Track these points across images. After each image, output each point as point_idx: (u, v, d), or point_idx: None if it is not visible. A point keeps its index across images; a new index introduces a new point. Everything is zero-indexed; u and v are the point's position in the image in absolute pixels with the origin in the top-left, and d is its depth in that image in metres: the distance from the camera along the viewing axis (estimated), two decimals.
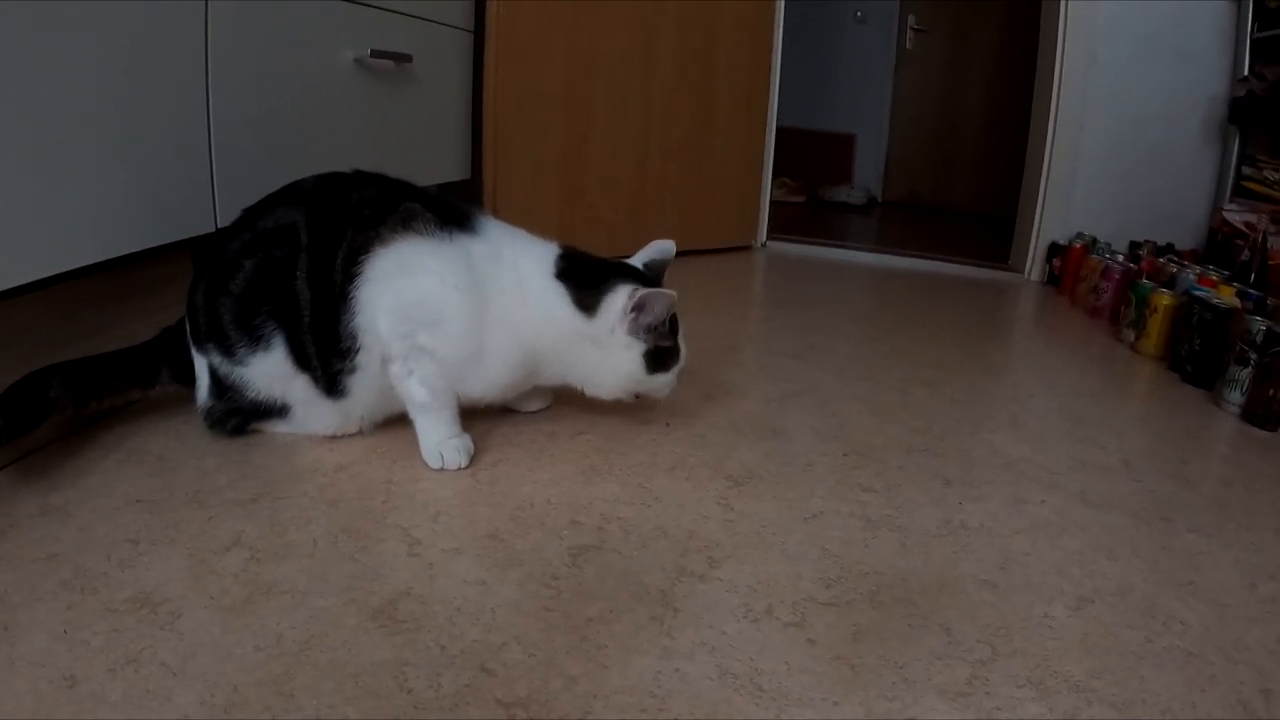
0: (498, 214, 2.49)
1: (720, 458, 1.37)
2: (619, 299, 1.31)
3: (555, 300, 1.32)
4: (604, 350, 1.33)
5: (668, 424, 1.49)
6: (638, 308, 1.29)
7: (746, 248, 3.29)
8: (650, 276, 1.39)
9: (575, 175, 2.75)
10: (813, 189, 5.18)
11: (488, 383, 1.32)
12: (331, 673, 0.85)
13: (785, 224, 3.69)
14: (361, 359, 1.28)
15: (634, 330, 1.30)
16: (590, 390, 1.38)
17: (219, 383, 1.32)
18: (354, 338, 1.26)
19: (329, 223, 1.29)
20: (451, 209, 1.34)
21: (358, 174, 1.38)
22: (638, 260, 1.43)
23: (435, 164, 2.43)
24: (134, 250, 1.42)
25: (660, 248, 1.45)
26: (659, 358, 1.34)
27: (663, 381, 1.37)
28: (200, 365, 1.34)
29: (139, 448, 1.31)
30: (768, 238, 3.40)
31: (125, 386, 1.35)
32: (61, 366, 1.26)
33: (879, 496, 1.25)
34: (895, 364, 1.93)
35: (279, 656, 0.87)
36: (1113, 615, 1.00)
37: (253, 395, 1.32)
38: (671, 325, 1.35)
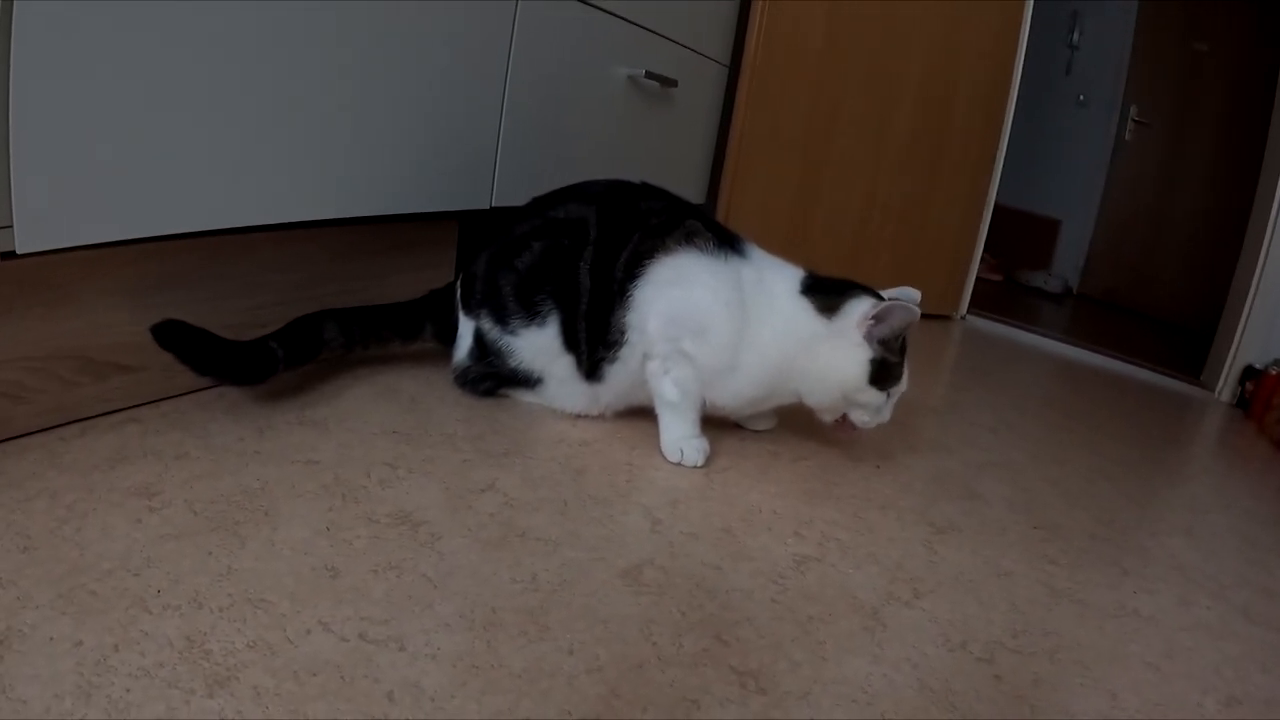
0: None
1: (924, 506, 1.51)
2: (861, 305, 1.39)
3: (800, 312, 1.40)
4: (833, 348, 1.38)
5: (878, 466, 1.65)
6: (879, 317, 1.36)
7: (948, 317, 3.41)
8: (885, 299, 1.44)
9: (802, 220, 2.88)
10: (1010, 269, 5.18)
11: (734, 395, 1.43)
12: (583, 615, 0.95)
13: (981, 299, 3.76)
14: (624, 352, 1.40)
15: (868, 335, 1.37)
16: (809, 397, 1.43)
17: (483, 346, 1.45)
18: (623, 332, 1.38)
19: (617, 224, 1.41)
20: (726, 232, 1.46)
21: (645, 185, 1.51)
22: (885, 293, 1.48)
23: (676, 185, 2.48)
24: (419, 211, 1.57)
25: (907, 293, 1.49)
26: (882, 370, 1.39)
27: (876, 400, 1.41)
28: (466, 328, 1.48)
29: (392, 386, 1.44)
30: (968, 310, 3.49)
31: (390, 337, 1.48)
32: (336, 311, 1.39)
33: (1063, 570, 1.40)
34: (1083, 453, 2.05)
35: (534, 591, 0.97)
36: (1257, 717, 1.13)
37: (514, 364, 1.45)
38: (901, 347, 1.41)
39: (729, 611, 1.06)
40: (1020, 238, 5.30)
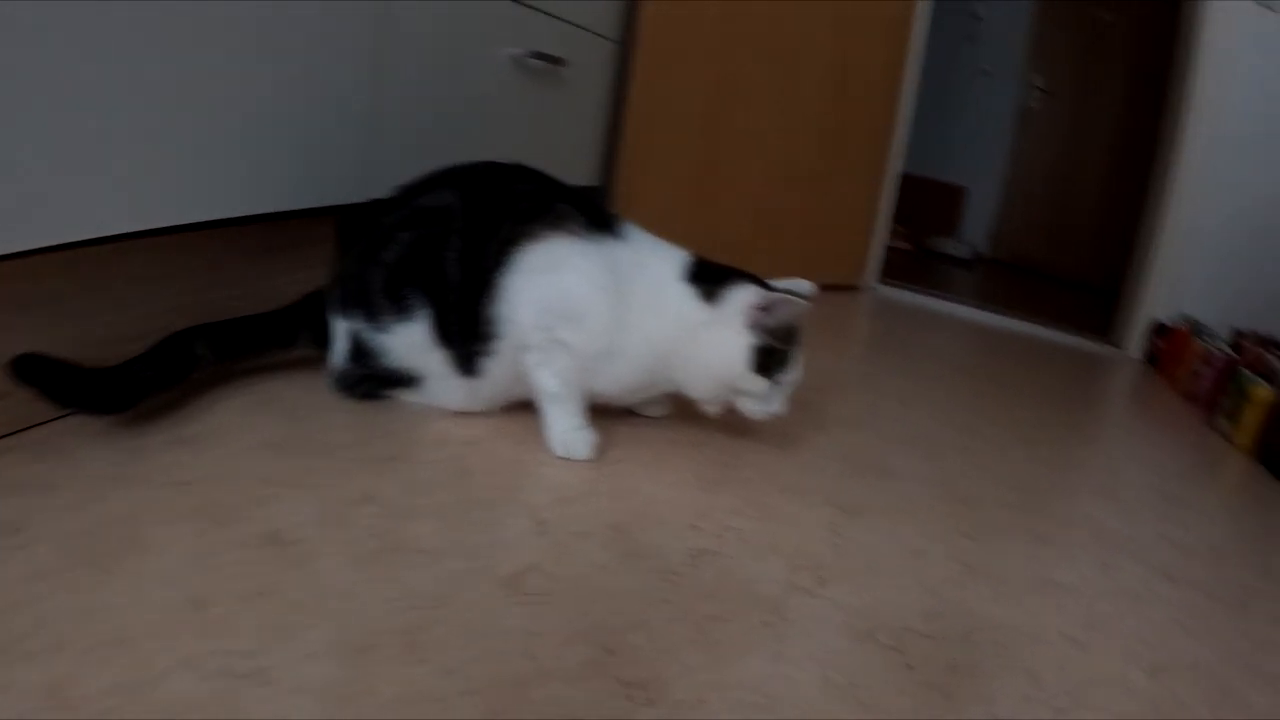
0: None
1: (831, 486, 1.45)
2: (744, 291, 1.35)
3: (682, 299, 1.36)
4: (715, 334, 1.35)
5: (782, 447, 1.58)
6: (766, 308, 1.33)
7: (856, 288, 3.37)
8: (775, 289, 1.40)
9: (704, 195, 2.82)
10: (919, 237, 5.20)
11: (616, 382, 1.38)
12: (461, 631, 0.89)
13: (891, 269, 3.74)
14: (499, 345, 1.33)
15: (753, 324, 1.34)
16: (691, 388, 1.40)
17: (358, 348, 1.38)
18: (495, 324, 1.32)
19: (485, 210, 1.34)
20: (600, 213, 1.40)
21: (517, 166, 1.44)
22: (776, 284, 1.43)
23: (570, 167, 2.48)
24: (293, 208, 1.48)
25: (799, 285, 1.44)
26: (767, 357, 1.35)
27: (761, 388, 1.37)
28: (340, 330, 1.39)
29: (272, 395, 1.36)
30: (878, 281, 3.47)
31: (265, 347, 1.41)
32: (206, 326, 1.30)
33: (977, 544, 1.33)
34: (996, 421, 2.00)
35: (410, 609, 0.91)
36: (1184, 686, 1.06)
37: (389, 363, 1.37)
38: (792, 335, 1.38)
39: (617, 616, 0.98)
40: (928, 206, 5.33)
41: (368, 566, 0.97)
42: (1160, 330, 3.03)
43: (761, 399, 1.40)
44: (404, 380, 1.41)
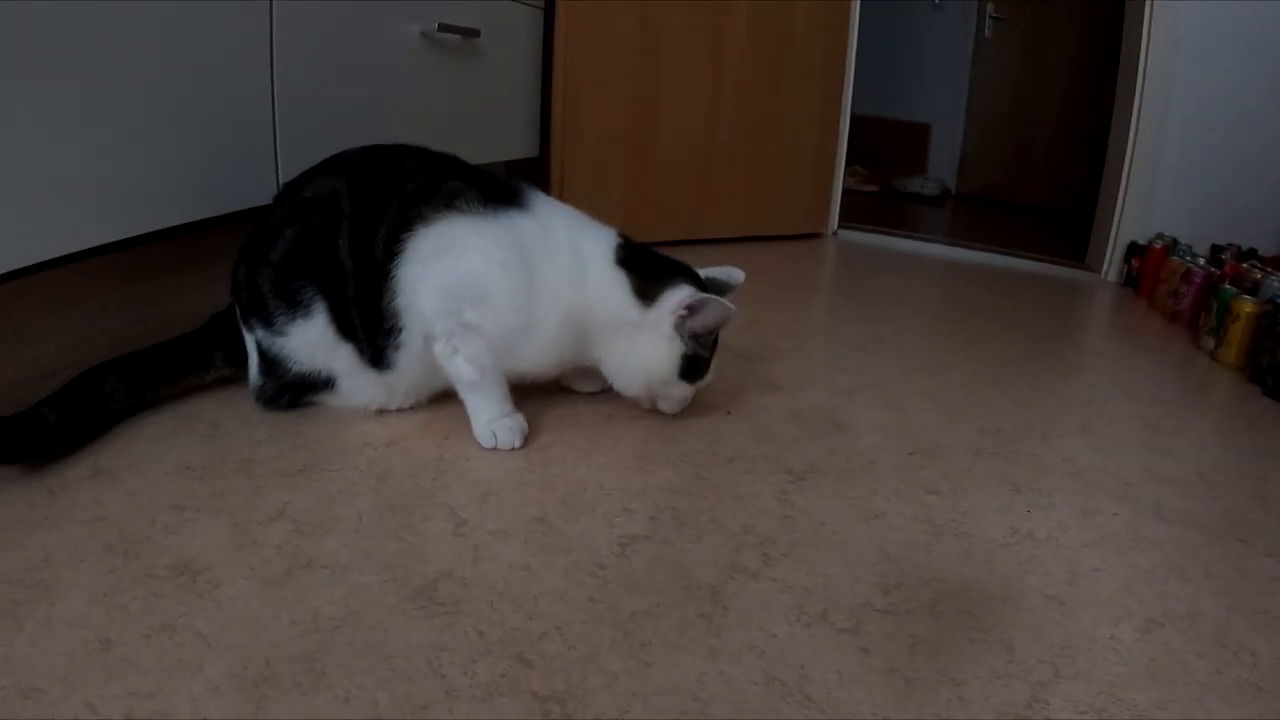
0: (563, 192, 2.51)
1: (781, 450, 1.33)
2: (680, 294, 1.29)
3: (615, 286, 1.30)
4: (646, 339, 1.30)
5: (729, 412, 1.46)
6: (692, 308, 1.27)
7: (817, 235, 3.23)
8: (707, 288, 1.37)
9: (642, 154, 2.71)
10: (886, 179, 5.08)
11: (535, 358, 1.30)
12: (366, 652, 0.83)
13: (857, 213, 3.62)
14: (405, 337, 1.27)
15: (680, 328, 1.29)
16: (617, 382, 1.36)
17: (265, 359, 1.32)
18: (396, 316, 1.26)
19: (372, 194, 1.28)
20: (497, 185, 1.33)
21: (402, 147, 1.37)
22: (705, 272, 1.41)
23: (503, 141, 2.42)
24: (193, 220, 1.41)
25: (730, 272, 1.43)
26: (692, 365, 1.32)
27: (682, 393, 1.36)
28: (250, 343, 1.35)
29: (193, 415, 1.31)
30: (839, 226, 3.33)
31: (180, 374, 1.35)
32: (116, 361, 1.26)
33: (944, 500, 1.21)
34: (964, 360, 1.88)
35: (314, 632, 0.86)
36: (1181, 641, 0.95)
37: (296, 368, 1.31)
38: (713, 342, 1.34)
39: (535, 622, 0.90)
40: (892, 146, 5.22)
41: (274, 589, 0.92)
42: (1136, 250, 2.90)
43: (679, 401, 1.39)
44: (318, 384, 1.34)
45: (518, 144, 2.49)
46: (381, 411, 1.36)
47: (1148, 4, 2.84)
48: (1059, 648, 0.91)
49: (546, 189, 2.53)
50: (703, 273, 1.39)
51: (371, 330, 1.27)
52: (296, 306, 1.27)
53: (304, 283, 1.27)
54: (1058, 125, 4.92)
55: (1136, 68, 2.91)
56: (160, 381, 1.32)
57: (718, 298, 1.27)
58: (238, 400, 1.36)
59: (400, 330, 1.26)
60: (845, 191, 3.30)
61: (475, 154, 2.24)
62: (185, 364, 1.36)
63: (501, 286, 1.24)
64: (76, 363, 1.24)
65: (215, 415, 1.31)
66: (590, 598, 0.94)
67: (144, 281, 1.45)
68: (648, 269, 1.32)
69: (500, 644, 0.86)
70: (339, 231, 1.26)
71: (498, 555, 1.01)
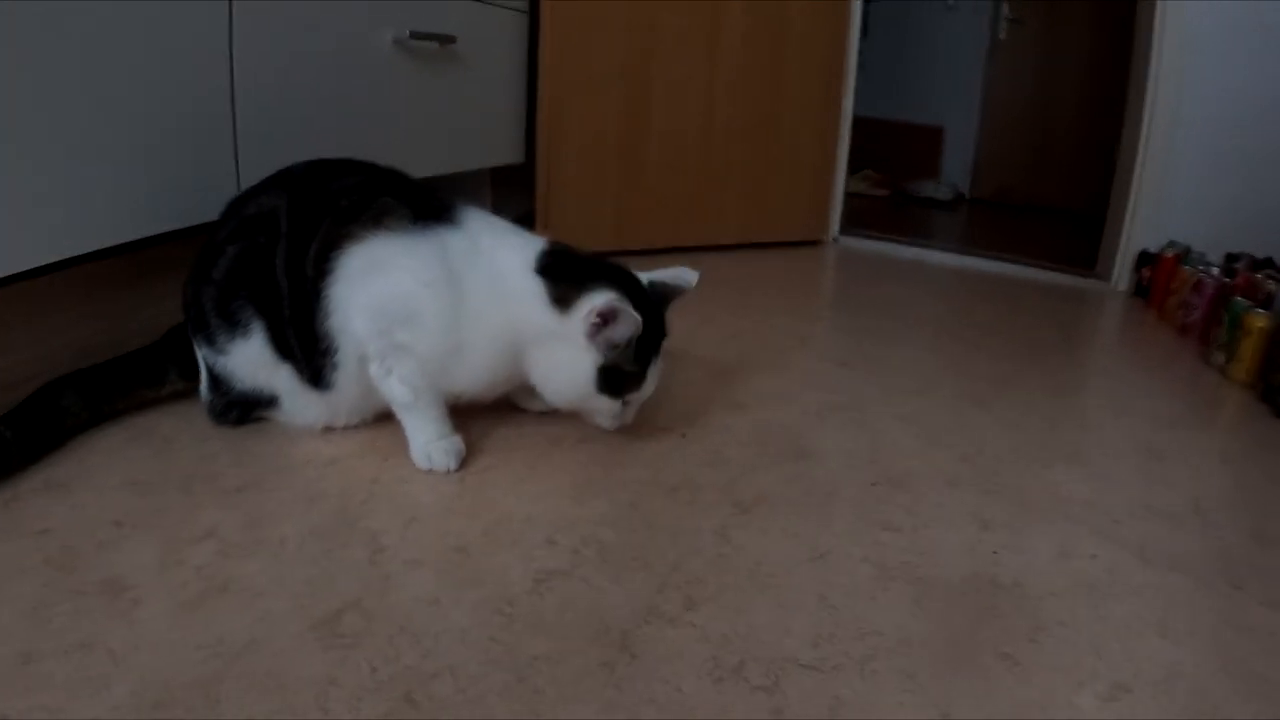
0: (552, 200, 2.43)
1: (732, 479, 1.23)
2: (595, 300, 1.20)
3: (530, 296, 1.23)
4: (562, 349, 1.23)
5: (683, 434, 1.36)
6: (604, 316, 1.19)
7: (817, 242, 3.12)
8: (649, 293, 1.29)
9: (634, 159, 2.62)
10: (898, 183, 4.97)
11: (470, 378, 1.26)
12: (260, 682, 0.81)
13: (866, 218, 3.52)
14: (341, 357, 1.25)
15: (592, 337, 1.21)
16: (546, 396, 1.30)
17: (211, 375, 1.32)
18: (330, 337, 1.23)
19: (308, 211, 1.26)
20: (430, 201, 1.29)
21: (346, 161, 1.35)
22: (652, 276, 1.33)
23: (487, 148, 2.37)
24: (152, 234, 1.41)
25: (681, 274, 1.35)
26: (611, 379, 1.24)
27: (608, 407, 1.27)
28: (200, 359, 1.34)
29: (149, 428, 1.29)
30: (841, 232, 3.21)
31: (136, 389, 1.35)
32: (73, 376, 1.27)
33: (902, 538, 1.11)
34: (954, 378, 1.76)
35: (215, 659, 0.83)
36: (1151, 709, 0.84)
37: (239, 386, 1.30)
38: (640, 353, 1.24)
39: (430, 660, 0.84)
40: (904, 150, 5.10)
41: (188, 612, 0.91)
42: (1147, 259, 2.78)
43: (612, 416, 1.29)
44: (263, 402, 1.33)
45: (502, 150, 2.44)
46: (328, 429, 1.32)
47: (1159, 3, 2.72)
48: (1002, 717, 0.81)
49: (532, 196, 2.48)
50: (650, 275, 1.31)
51: (308, 350, 1.25)
52: (236, 326, 1.26)
53: (242, 302, 1.25)
54: (1074, 128, 4.81)
55: (1148, 68, 2.79)
56: (117, 396, 1.32)
57: (627, 310, 1.18)
58: (193, 414, 1.33)
59: (335, 351, 1.24)
60: (856, 196, 3.20)
61: (458, 161, 2.21)
62: (140, 379, 1.36)
63: (428, 307, 1.21)
64: (41, 374, 1.25)
65: (170, 429, 1.29)
66: (491, 637, 0.87)
67: (107, 294, 1.45)
68: (571, 274, 1.25)
69: (390, 681, 0.81)
70: (278, 250, 1.24)
71: (407, 586, 0.96)
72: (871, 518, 1.15)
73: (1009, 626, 0.94)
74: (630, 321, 1.18)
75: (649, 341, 1.24)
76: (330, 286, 1.21)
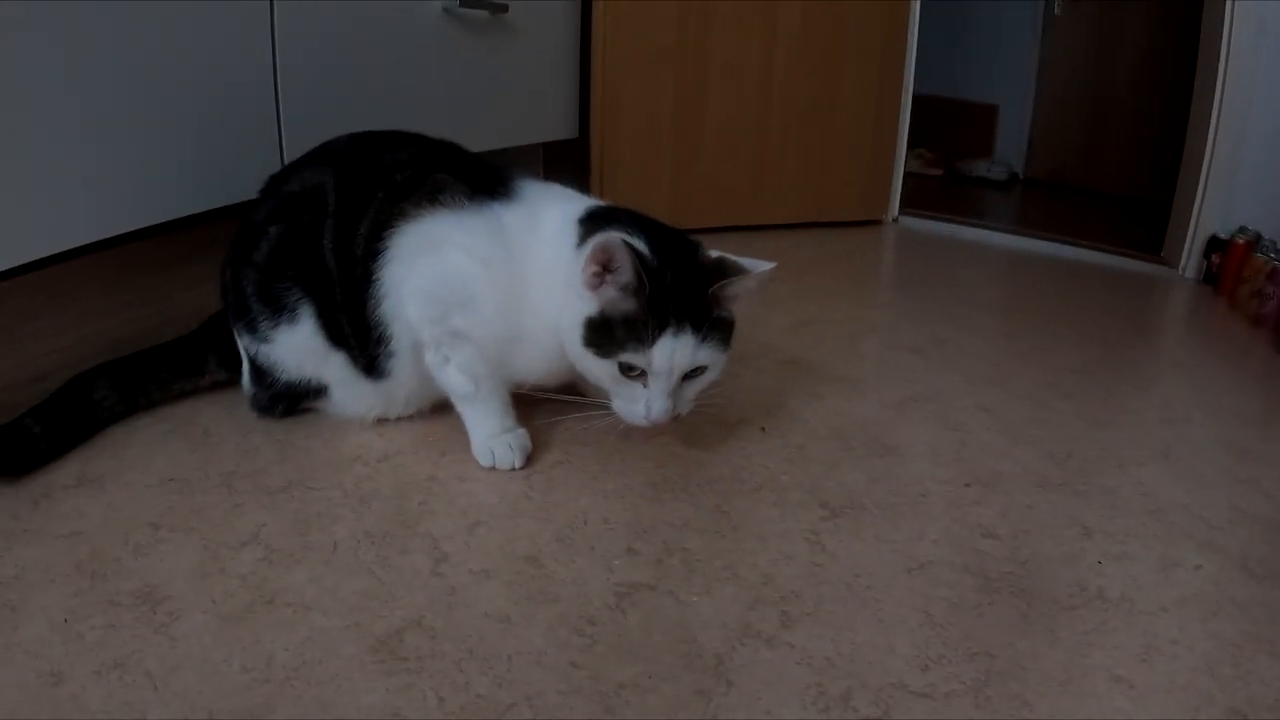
0: (604, 175, 2.36)
1: (818, 478, 1.19)
2: (602, 237, 1.06)
3: (555, 249, 1.13)
4: (563, 292, 1.10)
5: (763, 428, 1.32)
6: (603, 253, 1.04)
7: (876, 222, 3.05)
8: (693, 257, 1.13)
9: (690, 137, 2.56)
10: (950, 162, 4.88)
11: (530, 368, 1.19)
12: (313, 710, 0.76)
13: (920, 198, 3.43)
14: (395, 345, 1.18)
15: (590, 284, 1.07)
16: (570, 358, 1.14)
17: (254, 366, 1.25)
18: (383, 324, 1.17)
19: (358, 186, 1.19)
20: (487, 174, 1.20)
21: (393, 134, 1.28)
22: (725, 254, 1.16)
23: (539, 123, 2.31)
24: (191, 213, 1.38)
25: (757, 262, 1.15)
26: (602, 333, 1.07)
27: (604, 373, 1.10)
28: (241, 349, 1.29)
29: (188, 419, 1.26)
30: (900, 212, 3.15)
31: (172, 379, 1.31)
32: (107, 366, 1.23)
33: (1002, 546, 1.06)
34: (1030, 367, 1.70)
35: (264, 683, 0.79)
36: None
37: (285, 377, 1.23)
38: (656, 312, 1.05)
39: (504, 690, 0.79)
40: (957, 128, 4.98)
41: (231, 627, 0.86)
42: (1216, 245, 2.69)
43: (626, 397, 1.11)
44: (311, 393, 1.26)
45: (555, 125, 2.38)
46: (381, 420, 1.27)
47: None
48: None
49: (586, 173, 2.43)
50: (723, 254, 1.16)
51: (362, 338, 1.18)
52: (281, 312, 1.19)
53: (288, 285, 1.19)
54: (1132, 107, 4.68)
55: (1219, 49, 2.68)
56: (152, 388, 1.28)
57: (621, 242, 1.02)
58: (235, 404, 1.29)
59: (390, 339, 1.17)
60: (909, 175, 3.12)
61: (509, 136, 2.16)
62: (178, 369, 1.32)
63: (485, 288, 1.13)
64: (74, 363, 1.23)
65: (210, 421, 1.25)
66: (572, 662, 0.83)
67: (141, 279, 1.43)
68: (604, 222, 1.13)
69: (460, 713, 0.76)
70: (325, 229, 1.17)
71: (475, 601, 0.91)
72: (967, 523, 1.11)
73: (1120, 645, 0.90)
74: (631, 261, 1.03)
75: (664, 304, 1.05)
76: (382, 268, 1.15)
